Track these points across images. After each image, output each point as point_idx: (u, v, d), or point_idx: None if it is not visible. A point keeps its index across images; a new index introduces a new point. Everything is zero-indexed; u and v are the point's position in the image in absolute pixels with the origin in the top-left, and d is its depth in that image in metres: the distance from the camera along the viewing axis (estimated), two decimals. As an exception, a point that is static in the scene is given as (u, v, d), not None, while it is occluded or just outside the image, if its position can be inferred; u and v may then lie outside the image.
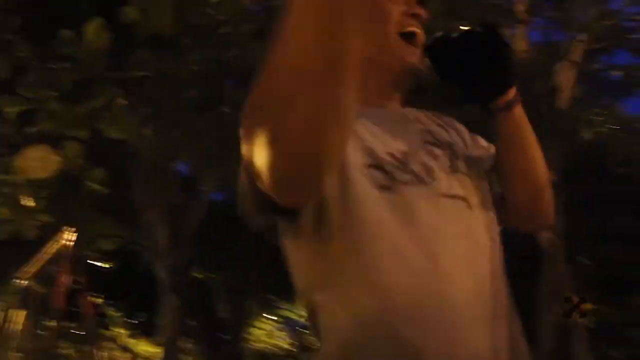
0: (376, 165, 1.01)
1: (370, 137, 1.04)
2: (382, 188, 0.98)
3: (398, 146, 1.05)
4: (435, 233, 0.97)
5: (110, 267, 13.59)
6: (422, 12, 1.12)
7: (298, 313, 17.16)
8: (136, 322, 18.52)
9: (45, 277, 8.00)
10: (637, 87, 7.90)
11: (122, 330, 17.42)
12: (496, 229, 1.09)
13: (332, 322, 0.96)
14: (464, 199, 1.05)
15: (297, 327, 17.58)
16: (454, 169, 1.08)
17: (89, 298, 7.35)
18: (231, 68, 6.82)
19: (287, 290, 16.18)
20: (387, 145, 1.04)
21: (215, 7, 5.73)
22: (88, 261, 7.51)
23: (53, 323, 9.11)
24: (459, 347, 0.91)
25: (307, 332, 17.42)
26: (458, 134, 1.17)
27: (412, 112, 1.17)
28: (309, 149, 0.73)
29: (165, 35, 5.93)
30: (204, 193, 10.44)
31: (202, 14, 5.59)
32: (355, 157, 0.99)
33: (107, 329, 17.05)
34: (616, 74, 8.00)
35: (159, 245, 10.79)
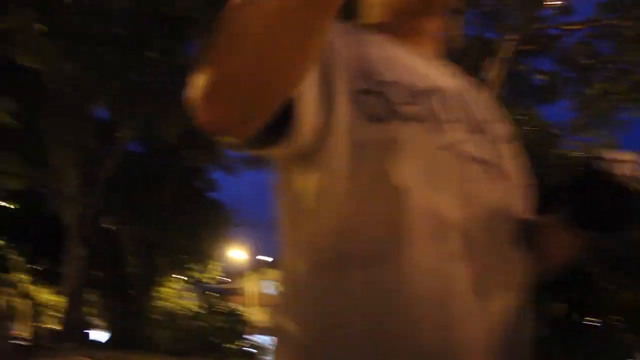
0: (373, 90, 0.86)
1: (378, 61, 0.90)
2: (373, 118, 0.83)
3: (412, 78, 0.90)
4: (406, 194, 0.81)
5: (15, 208, 13.12)
6: None
7: (208, 276, 17.06)
8: (39, 268, 18.04)
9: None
10: (558, 93, 8.21)
11: (23, 276, 16.88)
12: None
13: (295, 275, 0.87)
14: (487, 162, 0.89)
15: (205, 291, 17.52)
16: (480, 130, 0.92)
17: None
18: (161, 13, 6.55)
19: (198, 252, 16.13)
20: (396, 72, 0.90)
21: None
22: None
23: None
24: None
25: (216, 295, 17.36)
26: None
27: (447, 67, 1.01)
28: (249, 85, 0.68)
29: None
30: (121, 140, 10.06)
31: None
32: (347, 81, 0.86)
33: (7, 273, 16.45)
34: (540, 77, 8.29)
35: (69, 190, 10.41)
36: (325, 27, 0.68)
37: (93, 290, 14.43)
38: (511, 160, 0.95)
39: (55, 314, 14.87)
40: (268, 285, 22.93)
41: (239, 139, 0.75)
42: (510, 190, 0.91)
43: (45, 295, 20.85)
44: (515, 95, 8.46)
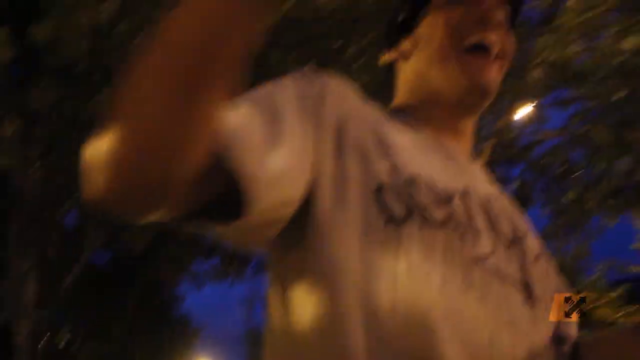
0: (393, 185, 0.75)
1: (400, 150, 0.80)
2: (390, 219, 0.72)
3: (439, 177, 0.80)
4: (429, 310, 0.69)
5: None
6: (499, 14, 0.90)
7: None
8: None
9: None
10: (531, 201, 8.38)
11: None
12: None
13: None
14: (518, 283, 0.78)
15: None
16: (518, 244, 0.82)
17: None
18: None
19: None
20: (421, 167, 0.79)
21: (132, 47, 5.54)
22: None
23: None
24: None
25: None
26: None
27: (480, 170, 0.95)
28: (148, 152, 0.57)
29: (74, 68, 5.63)
30: (87, 249, 9.74)
31: (116, 51, 5.33)
32: (363, 174, 0.75)
33: None
34: (513, 185, 8.50)
35: (24, 302, 9.75)
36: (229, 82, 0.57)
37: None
38: (543, 280, 0.83)
39: None
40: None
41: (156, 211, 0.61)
42: (541, 316, 0.79)
43: None
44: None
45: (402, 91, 0.98)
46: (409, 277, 0.68)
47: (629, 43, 5.51)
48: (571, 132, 7.00)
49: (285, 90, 0.76)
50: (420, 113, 0.93)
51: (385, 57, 1.01)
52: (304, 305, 0.70)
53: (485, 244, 0.77)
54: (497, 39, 0.90)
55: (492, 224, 0.81)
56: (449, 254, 0.72)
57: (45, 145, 6.87)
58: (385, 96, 1.02)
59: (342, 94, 0.82)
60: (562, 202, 7.72)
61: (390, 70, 1.01)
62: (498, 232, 0.81)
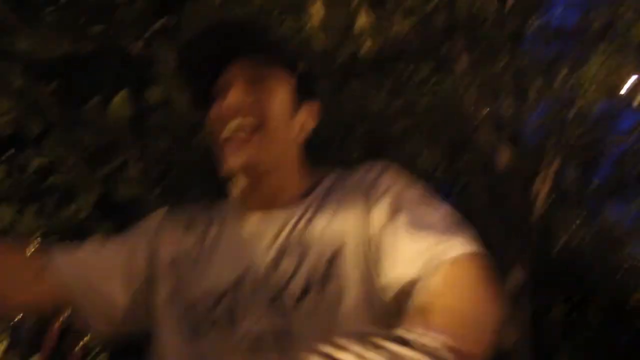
0: (187, 307, 0.97)
1: (192, 265, 1.01)
2: (187, 335, 0.95)
3: (218, 279, 0.97)
4: None
5: None
6: (226, 105, 0.99)
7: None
8: None
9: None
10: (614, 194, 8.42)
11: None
12: None
13: None
14: (275, 332, 0.89)
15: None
16: (278, 297, 0.92)
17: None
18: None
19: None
20: (206, 276, 0.98)
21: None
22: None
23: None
24: None
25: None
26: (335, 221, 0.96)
27: (279, 215, 1.01)
28: None
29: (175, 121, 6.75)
30: None
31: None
32: (167, 295, 1.01)
33: None
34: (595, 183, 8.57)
35: None
36: None
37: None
38: (308, 320, 0.89)
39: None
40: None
41: None
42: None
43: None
44: (568, 206, 8.78)
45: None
46: None
47: None
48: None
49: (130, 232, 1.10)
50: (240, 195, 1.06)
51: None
52: None
53: (249, 319, 0.90)
54: (237, 119, 0.97)
55: (264, 291, 0.92)
56: (221, 346, 0.91)
57: (161, 169, 8.08)
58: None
59: (160, 231, 1.07)
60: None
61: None
62: (267, 294, 0.91)
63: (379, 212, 0.93)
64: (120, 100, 2.24)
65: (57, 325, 7.08)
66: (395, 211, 0.91)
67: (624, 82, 5.98)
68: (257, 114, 0.98)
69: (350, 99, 7.12)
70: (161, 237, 1.07)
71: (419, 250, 0.83)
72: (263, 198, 1.02)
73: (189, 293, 0.97)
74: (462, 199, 8.87)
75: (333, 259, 0.91)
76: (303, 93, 1.04)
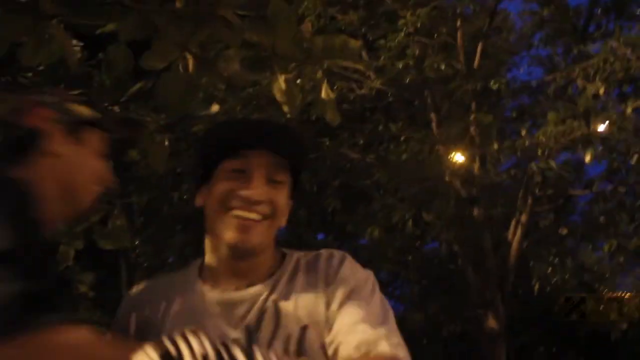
0: None
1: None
2: None
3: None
4: None
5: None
6: (252, 194, 1.13)
7: None
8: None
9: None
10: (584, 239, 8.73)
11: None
12: None
13: None
14: None
15: None
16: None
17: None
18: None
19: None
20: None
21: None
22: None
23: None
24: None
25: None
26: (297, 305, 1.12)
27: (250, 291, 1.14)
28: None
29: (154, 176, 6.98)
30: None
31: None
32: None
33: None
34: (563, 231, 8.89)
35: None
36: None
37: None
38: None
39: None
40: None
41: None
42: None
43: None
44: (542, 248, 9.08)
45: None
46: None
47: None
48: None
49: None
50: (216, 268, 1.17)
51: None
52: None
53: None
54: (258, 213, 1.13)
55: None
56: None
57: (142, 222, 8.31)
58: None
59: (135, 303, 1.21)
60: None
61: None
62: None
63: (336, 300, 1.12)
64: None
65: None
66: (348, 299, 1.12)
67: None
68: (271, 207, 1.14)
69: (325, 155, 7.44)
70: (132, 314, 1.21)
71: (362, 341, 1.05)
72: (239, 271, 1.15)
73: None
74: (435, 249, 9.08)
75: (302, 335, 1.08)
76: (293, 190, 1.23)
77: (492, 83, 7.13)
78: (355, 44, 1.73)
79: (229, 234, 1.11)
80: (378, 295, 1.16)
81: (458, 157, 7.36)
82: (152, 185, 7.28)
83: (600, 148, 6.90)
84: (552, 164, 6.58)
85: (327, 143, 7.17)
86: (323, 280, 1.14)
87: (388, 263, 9.23)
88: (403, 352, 1.07)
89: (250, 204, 1.12)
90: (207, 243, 1.20)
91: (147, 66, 1.71)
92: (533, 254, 9.17)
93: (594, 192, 8.16)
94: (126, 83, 2.01)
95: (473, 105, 7.49)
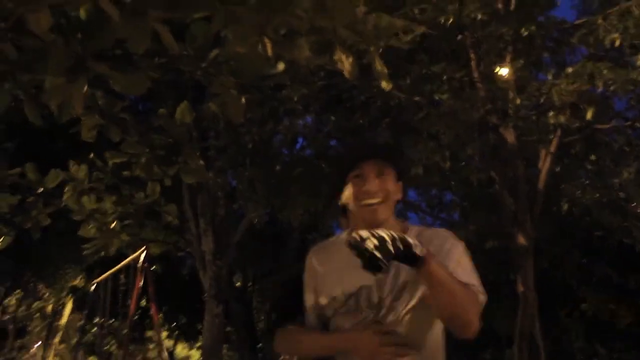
0: (326, 305, 1.78)
1: (330, 282, 1.80)
2: (325, 318, 1.81)
3: (346, 289, 1.75)
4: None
5: (157, 270, 13.81)
6: (368, 189, 1.72)
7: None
8: (175, 324, 19.66)
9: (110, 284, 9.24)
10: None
11: (164, 333, 17.90)
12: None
13: None
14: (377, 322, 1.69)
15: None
16: (379, 307, 1.72)
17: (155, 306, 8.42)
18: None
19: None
20: (337, 287, 1.77)
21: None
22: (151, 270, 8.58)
23: (105, 321, 10.21)
24: None
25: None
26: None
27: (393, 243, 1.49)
28: None
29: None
30: (249, 214, 11.57)
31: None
32: (309, 299, 1.85)
33: (148, 330, 18.01)
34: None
35: (205, 253, 11.79)
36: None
37: (225, 345, 15.68)
38: (402, 321, 1.71)
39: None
40: None
41: None
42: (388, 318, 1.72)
43: (180, 349, 21.75)
44: (571, 172, 9.72)
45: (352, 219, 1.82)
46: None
47: None
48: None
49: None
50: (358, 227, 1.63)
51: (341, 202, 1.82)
52: None
53: (368, 312, 1.73)
54: (376, 199, 1.71)
55: (374, 299, 1.72)
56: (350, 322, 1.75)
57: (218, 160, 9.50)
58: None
59: (310, 265, 1.87)
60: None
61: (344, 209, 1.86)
62: (375, 303, 1.72)
63: (449, 263, 1.67)
64: (182, 110, 2.92)
65: (135, 295, 7.83)
66: (457, 265, 1.69)
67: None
68: (384, 192, 1.74)
69: (376, 95, 8.15)
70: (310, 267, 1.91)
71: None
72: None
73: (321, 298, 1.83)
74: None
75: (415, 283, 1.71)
76: (397, 179, 1.79)
77: (523, 29, 7.64)
78: (399, 23, 1.98)
79: (365, 216, 1.72)
80: (470, 262, 1.75)
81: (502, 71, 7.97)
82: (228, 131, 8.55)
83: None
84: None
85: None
86: (438, 254, 1.64)
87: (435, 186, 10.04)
88: (480, 288, 1.69)
89: (370, 195, 1.71)
90: (353, 222, 1.78)
91: (230, 50, 2.02)
92: (564, 176, 9.87)
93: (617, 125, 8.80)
94: (205, 52, 2.21)
95: (510, 48, 8.09)
